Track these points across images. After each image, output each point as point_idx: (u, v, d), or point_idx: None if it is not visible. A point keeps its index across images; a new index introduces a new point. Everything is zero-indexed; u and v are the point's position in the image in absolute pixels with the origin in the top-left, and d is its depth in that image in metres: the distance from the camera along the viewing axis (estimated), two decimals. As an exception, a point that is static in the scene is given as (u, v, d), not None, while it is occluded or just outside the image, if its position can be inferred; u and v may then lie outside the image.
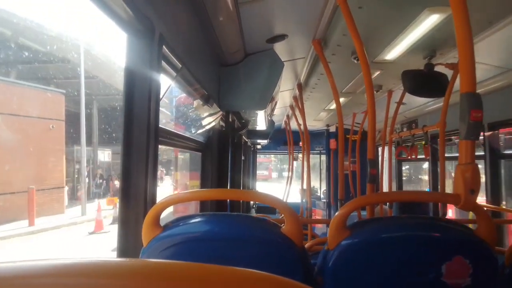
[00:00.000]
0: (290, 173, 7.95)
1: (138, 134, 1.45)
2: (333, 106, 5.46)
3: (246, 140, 7.07)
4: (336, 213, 1.19)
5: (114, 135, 24.83)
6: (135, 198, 1.42)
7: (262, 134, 6.94)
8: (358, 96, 4.59)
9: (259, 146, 9.65)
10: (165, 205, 1.22)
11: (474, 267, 1.09)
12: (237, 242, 1.18)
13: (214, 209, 3.08)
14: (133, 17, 1.37)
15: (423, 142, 4.86)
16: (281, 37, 2.93)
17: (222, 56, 2.99)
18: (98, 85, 20.84)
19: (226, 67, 3.19)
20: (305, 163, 5.76)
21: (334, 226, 1.17)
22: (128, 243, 1.41)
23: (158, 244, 1.19)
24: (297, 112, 5.62)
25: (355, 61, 2.91)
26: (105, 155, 24.91)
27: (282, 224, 1.19)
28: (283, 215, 1.20)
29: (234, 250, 1.17)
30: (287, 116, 7.04)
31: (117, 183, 17.02)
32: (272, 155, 28.79)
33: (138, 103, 1.46)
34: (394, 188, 6.67)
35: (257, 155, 11.02)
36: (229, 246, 1.18)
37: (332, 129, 8.19)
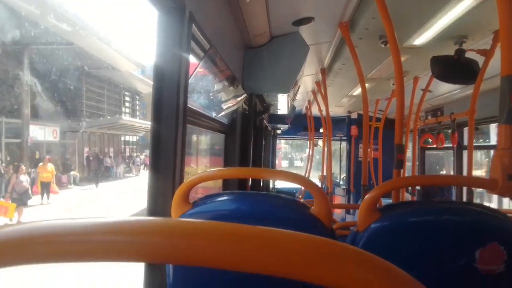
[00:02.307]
0: (310, 160, 7.93)
1: (167, 112, 1.47)
2: (356, 92, 5.39)
3: (267, 125, 7.08)
4: (367, 195, 1.18)
5: (67, 105, 19.56)
6: (164, 176, 1.46)
7: (283, 119, 6.92)
8: (382, 82, 4.51)
9: (279, 132, 9.63)
10: (195, 182, 1.24)
11: (509, 253, 1.07)
12: (266, 222, 1.19)
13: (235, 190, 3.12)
14: None
15: (450, 130, 4.76)
16: (308, 19, 2.90)
17: (247, 38, 2.98)
18: (33, 28, 15.33)
19: (251, 49, 3.18)
20: (326, 149, 5.73)
21: (365, 208, 1.16)
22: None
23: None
24: (319, 98, 5.58)
25: (383, 46, 2.86)
26: (46, 133, 18.65)
27: (311, 207, 1.20)
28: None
29: None
30: (309, 101, 6.99)
31: (24, 179, 12.45)
32: (283, 141, 25.51)
33: (168, 81, 1.48)
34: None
35: (277, 140, 11.01)
36: (257, 225, 1.19)
37: (354, 115, 8.10)
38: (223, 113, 2.97)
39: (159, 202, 1.46)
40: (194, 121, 2.07)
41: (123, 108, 27.07)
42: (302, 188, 6.13)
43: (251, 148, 3.50)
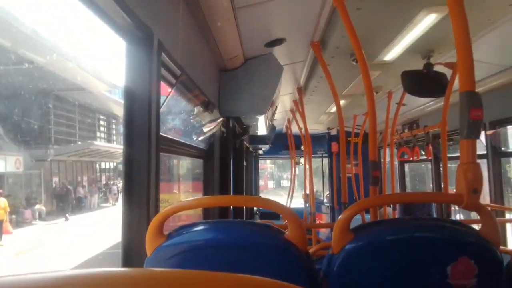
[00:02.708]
0: (292, 180, 7.92)
1: (139, 142, 1.44)
2: (333, 109, 5.46)
3: (248, 146, 7.07)
4: (339, 217, 1.18)
5: (32, 132, 17.82)
6: (138, 207, 1.41)
7: (263, 139, 6.93)
8: (358, 98, 4.59)
9: (260, 152, 9.64)
10: (169, 213, 1.21)
11: (479, 267, 1.08)
12: (242, 249, 1.17)
13: (217, 216, 3.06)
14: (132, 24, 1.37)
15: (425, 143, 4.85)
16: (280, 40, 2.94)
17: (221, 61, 2.99)
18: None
19: (226, 72, 3.19)
20: (307, 167, 5.75)
21: (338, 229, 1.16)
22: (132, 253, 1.40)
23: (162, 253, 1.18)
24: (298, 116, 5.62)
25: (354, 63, 2.91)
26: (7, 164, 16.92)
27: (286, 230, 1.19)
28: (286, 221, 1.19)
29: (239, 257, 1.17)
30: (288, 120, 7.04)
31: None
32: (269, 161, 25.44)
33: (138, 111, 1.46)
34: (397, 190, 6.65)
35: (259, 160, 11.00)
36: (233, 253, 1.17)
37: (333, 132, 8.18)
38: (200, 138, 2.94)
39: (134, 234, 1.41)
40: (169, 149, 2.04)
41: (97, 133, 25.07)
42: (307, 204, 6.11)
43: (231, 172, 3.46)
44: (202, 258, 1.17)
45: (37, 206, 18.51)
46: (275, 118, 6.33)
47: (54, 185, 20.85)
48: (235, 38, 2.65)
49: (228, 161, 3.41)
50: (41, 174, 20.01)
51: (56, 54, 16.15)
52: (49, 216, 19.05)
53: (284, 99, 5.35)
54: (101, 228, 15.80)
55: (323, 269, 1.20)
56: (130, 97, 1.46)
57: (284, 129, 8.14)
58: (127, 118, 1.45)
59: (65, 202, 20.30)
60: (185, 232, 1.21)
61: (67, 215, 19.15)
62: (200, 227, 1.24)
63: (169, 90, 1.88)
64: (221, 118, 3.16)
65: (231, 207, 3.63)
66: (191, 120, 2.84)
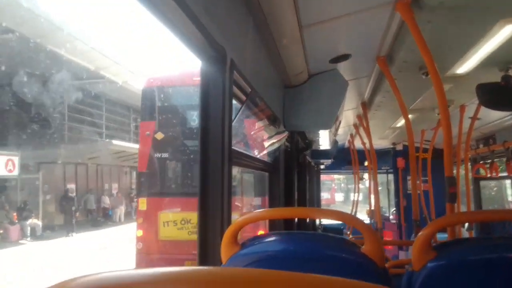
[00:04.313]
0: (356, 194, 7.74)
1: (213, 156, 1.53)
2: (399, 123, 5.30)
3: (310, 160, 7.04)
4: (420, 233, 1.15)
5: (39, 126, 13.94)
6: (212, 217, 1.49)
7: (326, 154, 6.87)
8: (426, 112, 4.41)
9: (322, 166, 9.54)
10: (243, 223, 1.25)
11: None
12: (316, 262, 1.17)
13: (282, 229, 3.09)
14: (207, 44, 1.47)
15: (505, 159, 4.53)
16: (345, 56, 2.94)
17: (286, 78, 3.06)
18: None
19: (291, 88, 3.25)
20: (373, 183, 5.59)
21: (419, 246, 1.13)
22: (208, 260, 1.48)
23: (237, 261, 1.23)
24: (361, 131, 5.52)
25: (423, 77, 2.83)
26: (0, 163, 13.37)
27: (362, 245, 1.18)
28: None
29: (312, 270, 1.18)
30: (351, 135, 6.92)
31: None
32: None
33: (213, 126, 1.55)
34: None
35: (320, 175, 10.88)
36: (307, 265, 1.18)
37: (399, 147, 7.90)
38: (265, 152, 3.01)
39: (209, 244, 1.49)
40: (239, 162, 2.12)
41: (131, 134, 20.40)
42: (372, 220, 5.95)
43: (295, 186, 3.49)
44: (276, 268, 1.20)
45: (29, 221, 14.84)
46: (338, 133, 6.27)
47: (65, 193, 17.18)
48: (300, 55, 2.70)
49: (293, 174, 3.44)
50: (40, 179, 16.03)
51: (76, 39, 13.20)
52: (53, 232, 15.64)
53: (347, 114, 5.30)
54: (115, 248, 12.78)
55: (403, 286, 1.18)
56: (205, 113, 1.56)
57: (347, 144, 8.00)
58: (203, 132, 1.55)
59: (68, 214, 16.39)
60: (259, 242, 1.26)
61: (71, 232, 15.87)
62: (274, 238, 1.28)
63: (240, 106, 1.98)
64: (286, 133, 3.21)
65: (296, 221, 3.64)
66: (257, 135, 2.93)
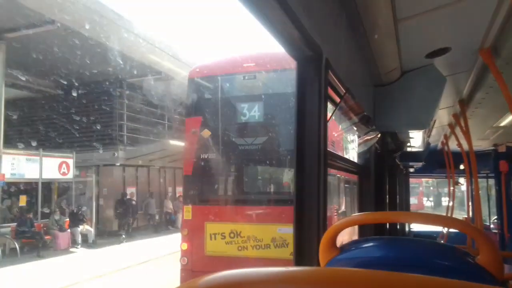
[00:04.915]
0: (452, 200, 7.17)
1: (309, 158, 1.51)
2: (503, 122, 4.79)
3: (398, 163, 6.70)
4: None
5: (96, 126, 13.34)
6: (309, 221, 1.47)
7: (416, 156, 6.47)
8: None
9: (411, 170, 9.01)
10: (342, 227, 1.21)
11: None
12: (423, 270, 1.09)
13: (372, 234, 2.97)
14: (304, 44, 1.45)
15: None
16: (443, 50, 2.74)
17: (377, 75, 2.93)
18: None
19: (381, 86, 3.11)
20: (471, 188, 5.13)
21: None
22: (304, 264, 1.46)
23: (336, 265, 1.19)
24: (458, 131, 5.10)
25: None
26: (53, 166, 13.00)
27: (477, 256, 1.07)
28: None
29: None
30: (445, 135, 6.43)
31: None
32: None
33: (309, 127, 1.53)
34: None
35: (409, 178, 10.28)
36: (412, 273, 1.11)
37: (501, 149, 7.16)
38: (356, 153, 2.92)
39: (305, 248, 1.46)
40: (332, 164, 2.07)
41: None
42: (444, 231, 5.52)
43: (386, 189, 3.32)
44: None
45: (80, 227, 14.05)
46: (431, 133, 5.87)
47: (122, 197, 16.64)
48: (394, 51, 2.57)
49: (384, 177, 3.29)
50: (93, 183, 15.34)
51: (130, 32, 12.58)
52: (109, 238, 15.03)
53: (441, 113, 4.92)
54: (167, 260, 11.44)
55: None
56: (301, 113, 1.54)
57: (440, 145, 7.46)
58: (299, 134, 1.53)
59: (123, 219, 15.87)
60: (359, 246, 1.21)
61: (125, 239, 14.99)
62: (374, 243, 1.22)
63: (334, 106, 1.93)
64: (377, 133, 3.08)
65: (388, 226, 3.47)
66: (347, 136, 2.84)
